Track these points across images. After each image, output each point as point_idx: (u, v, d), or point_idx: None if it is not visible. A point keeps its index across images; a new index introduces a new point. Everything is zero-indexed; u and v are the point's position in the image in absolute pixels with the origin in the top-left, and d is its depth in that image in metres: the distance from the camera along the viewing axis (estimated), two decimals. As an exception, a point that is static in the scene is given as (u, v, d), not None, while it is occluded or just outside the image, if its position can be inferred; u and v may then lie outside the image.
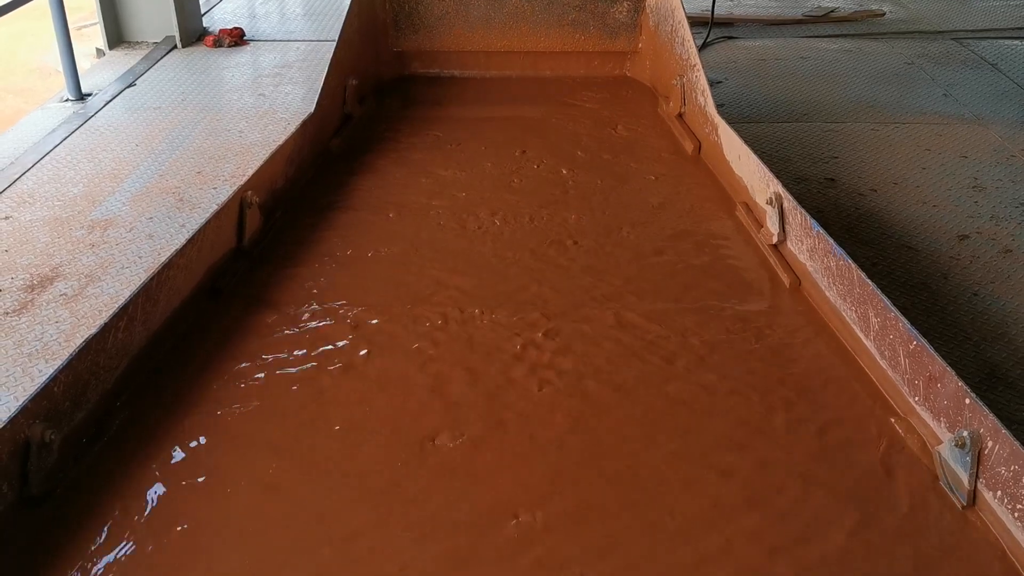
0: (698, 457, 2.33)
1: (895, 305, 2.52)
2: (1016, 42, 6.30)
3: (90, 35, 6.65)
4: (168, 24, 5.98)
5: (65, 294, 3.25)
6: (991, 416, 2.13)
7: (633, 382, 2.60)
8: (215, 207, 3.01)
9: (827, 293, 2.91)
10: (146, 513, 2.14)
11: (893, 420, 2.46)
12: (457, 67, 5.03)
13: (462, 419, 2.45)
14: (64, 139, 4.56)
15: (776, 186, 3.26)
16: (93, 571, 1.99)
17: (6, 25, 8.05)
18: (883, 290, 2.59)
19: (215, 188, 4.03)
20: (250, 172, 3.27)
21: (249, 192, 3.18)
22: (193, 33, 6.14)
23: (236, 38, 6.12)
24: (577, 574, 2.00)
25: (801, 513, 2.16)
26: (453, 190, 3.71)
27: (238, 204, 3.13)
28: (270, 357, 2.67)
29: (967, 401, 2.21)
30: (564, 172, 3.89)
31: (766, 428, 2.43)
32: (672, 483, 2.25)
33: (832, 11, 7.03)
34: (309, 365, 2.64)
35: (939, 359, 2.32)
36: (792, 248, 3.17)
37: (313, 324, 2.83)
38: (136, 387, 2.52)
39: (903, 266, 3.47)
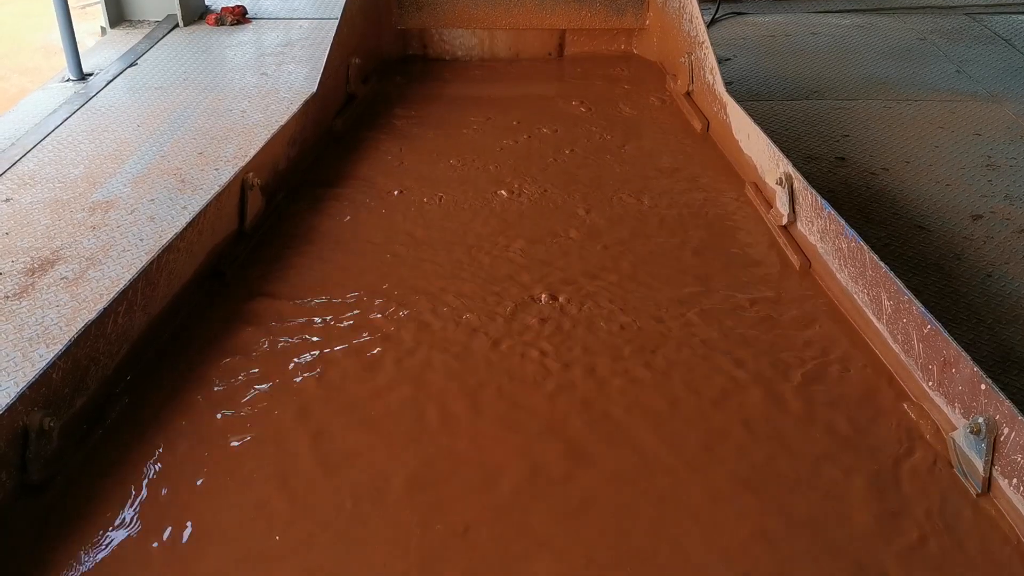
0: (705, 443, 2.30)
1: (908, 287, 2.48)
2: (1030, 17, 6.19)
3: (94, 13, 6.57)
4: (170, 2, 5.90)
5: (66, 277, 3.21)
6: (1007, 402, 2.08)
7: (638, 364, 2.56)
8: (216, 189, 2.97)
9: (838, 275, 2.86)
10: (147, 500, 2.12)
11: (906, 406, 2.41)
12: (461, 46, 4.96)
13: (470, 398, 2.43)
14: (65, 120, 4.50)
15: (786, 166, 3.20)
16: (94, 558, 1.97)
17: (11, 3, 7.99)
18: (895, 272, 2.55)
19: (217, 169, 3.98)
20: (252, 153, 3.23)
21: (251, 174, 3.14)
22: (195, 11, 6.07)
23: (238, 16, 6.04)
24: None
25: (810, 500, 2.13)
26: (458, 170, 3.67)
27: (239, 186, 3.09)
28: (272, 340, 2.64)
29: (983, 387, 2.16)
30: (569, 152, 3.84)
31: (775, 414, 2.39)
32: (678, 469, 2.22)
33: (843, -14, 6.91)
34: (312, 348, 2.61)
35: (954, 343, 2.28)
36: (802, 229, 3.11)
37: (316, 306, 2.79)
38: (136, 373, 2.49)
39: (915, 247, 3.41)
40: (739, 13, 6.29)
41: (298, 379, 2.50)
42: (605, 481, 2.18)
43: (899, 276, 2.52)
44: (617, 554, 2.00)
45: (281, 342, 2.64)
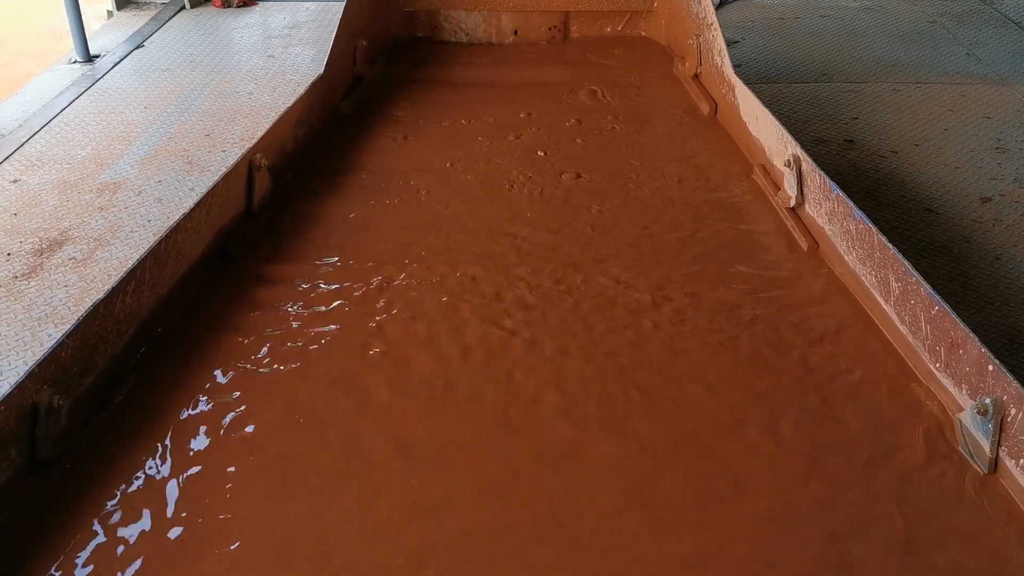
0: (710, 424, 2.30)
1: (916, 269, 2.47)
2: (1042, 0, 6.15)
3: (100, -4, 6.58)
4: (176, -16, 5.91)
5: (74, 258, 3.23)
6: (1015, 383, 2.08)
7: (646, 346, 2.56)
8: (224, 170, 2.98)
9: (846, 257, 2.86)
10: (156, 479, 2.12)
11: (913, 387, 2.41)
12: (469, 27, 4.94)
13: (472, 375, 2.44)
14: (72, 101, 4.52)
15: (794, 148, 3.19)
16: (102, 537, 1.98)
17: (16, -13, 7.97)
18: (904, 254, 2.54)
19: (224, 151, 3.99)
20: (259, 134, 3.23)
21: (258, 155, 3.14)
22: (202, -7, 6.07)
23: (245, -2, 6.04)
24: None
25: (818, 482, 2.13)
26: (465, 153, 3.66)
27: (247, 167, 3.09)
28: (280, 320, 2.65)
29: (990, 368, 2.16)
30: (577, 136, 3.83)
31: (782, 396, 2.39)
32: (688, 448, 2.22)
33: (852, -32, 6.86)
34: (318, 326, 2.62)
35: (961, 324, 2.27)
36: (810, 211, 3.11)
37: (323, 287, 2.80)
38: (145, 352, 2.50)
39: (924, 229, 3.40)
40: (748, -5, 6.26)
41: (305, 357, 2.50)
42: (613, 460, 2.19)
43: (907, 258, 2.52)
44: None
45: (288, 321, 2.64)
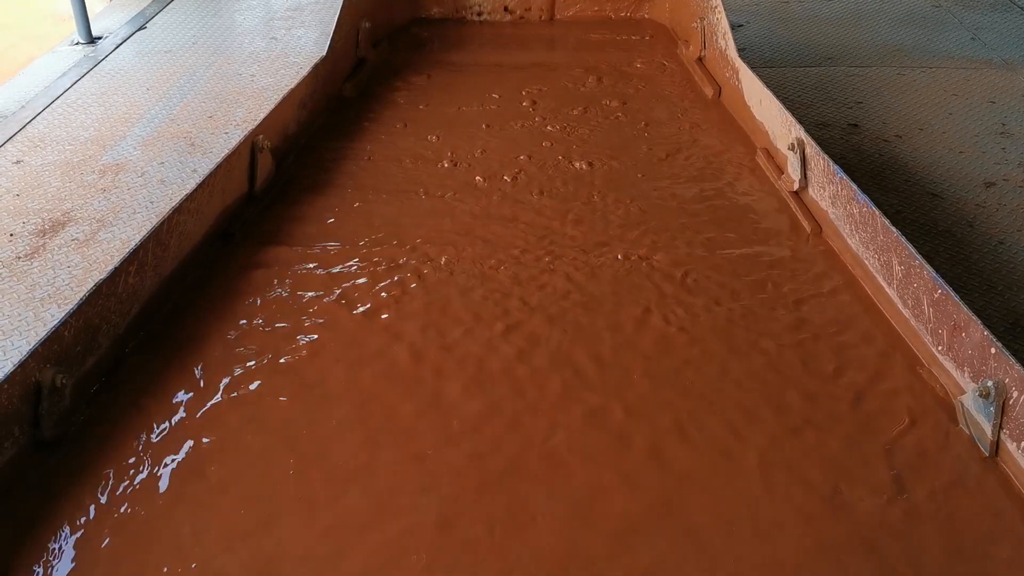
0: (713, 408, 2.30)
1: (919, 253, 2.47)
2: (1048, -16, 6.10)
3: (102, -20, 6.54)
4: (179, -34, 5.87)
5: (77, 239, 3.22)
6: (1017, 366, 2.08)
7: (650, 329, 2.56)
8: (226, 152, 2.97)
9: (849, 241, 2.85)
10: (157, 458, 2.13)
11: (915, 369, 2.41)
12: (472, 10, 4.92)
13: (473, 360, 2.44)
14: (75, 83, 4.49)
15: (798, 131, 3.19)
16: (104, 514, 1.99)
17: (19, -29, 7.93)
18: (907, 238, 2.54)
19: (227, 133, 3.97)
20: (261, 116, 3.23)
21: (260, 136, 3.14)
22: (204, -25, 6.03)
23: (248, -20, 6.00)
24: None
25: (818, 463, 2.13)
26: (468, 136, 3.65)
27: (249, 149, 3.09)
28: (281, 302, 2.65)
29: (992, 351, 2.16)
30: (581, 119, 3.82)
31: (785, 379, 2.39)
32: (691, 430, 2.22)
33: (858, -48, 6.81)
34: (319, 310, 2.62)
35: (964, 308, 2.27)
36: (814, 195, 3.10)
37: (325, 269, 2.80)
38: (147, 332, 2.51)
39: (928, 214, 3.38)
40: (752, -21, 6.21)
41: (304, 340, 2.51)
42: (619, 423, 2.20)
43: (911, 242, 2.51)
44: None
45: (288, 303, 2.65)
